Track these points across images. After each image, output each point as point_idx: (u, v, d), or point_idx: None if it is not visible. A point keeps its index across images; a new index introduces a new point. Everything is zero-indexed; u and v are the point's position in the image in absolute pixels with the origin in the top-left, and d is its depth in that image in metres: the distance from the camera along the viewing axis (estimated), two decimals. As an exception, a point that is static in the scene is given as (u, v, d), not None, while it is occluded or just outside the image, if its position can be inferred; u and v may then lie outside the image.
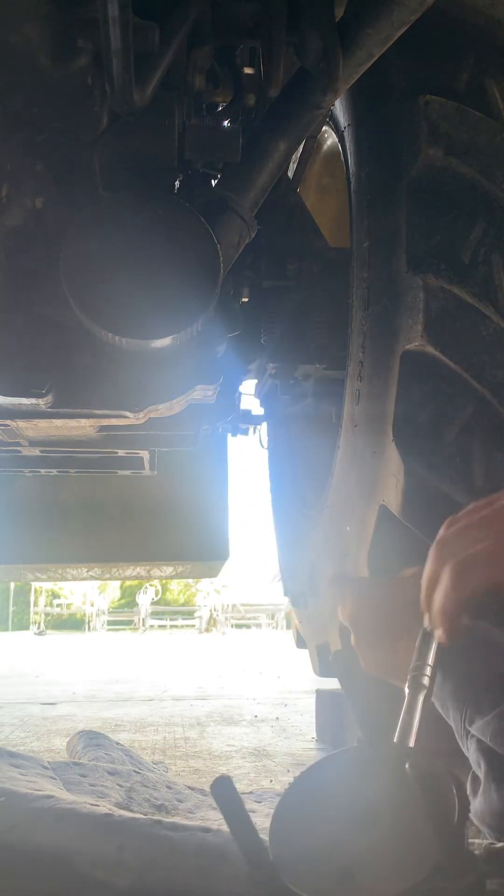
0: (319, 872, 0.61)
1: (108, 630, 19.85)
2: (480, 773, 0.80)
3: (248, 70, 1.73)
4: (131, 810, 1.01)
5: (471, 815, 0.77)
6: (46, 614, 20.89)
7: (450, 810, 0.59)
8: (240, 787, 1.19)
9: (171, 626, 20.36)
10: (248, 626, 20.29)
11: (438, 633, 0.75)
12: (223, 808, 0.62)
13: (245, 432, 2.71)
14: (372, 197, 1.60)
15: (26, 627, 20.59)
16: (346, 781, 0.66)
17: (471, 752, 0.81)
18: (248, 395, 2.60)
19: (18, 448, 1.84)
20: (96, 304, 1.15)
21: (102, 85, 1.14)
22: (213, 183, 1.41)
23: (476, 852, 0.71)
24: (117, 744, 1.49)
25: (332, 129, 1.95)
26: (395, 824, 0.62)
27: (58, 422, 1.49)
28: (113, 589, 24.85)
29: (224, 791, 0.62)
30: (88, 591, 20.89)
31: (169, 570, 3.56)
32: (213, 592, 18.99)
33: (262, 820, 0.96)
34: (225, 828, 0.86)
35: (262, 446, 2.93)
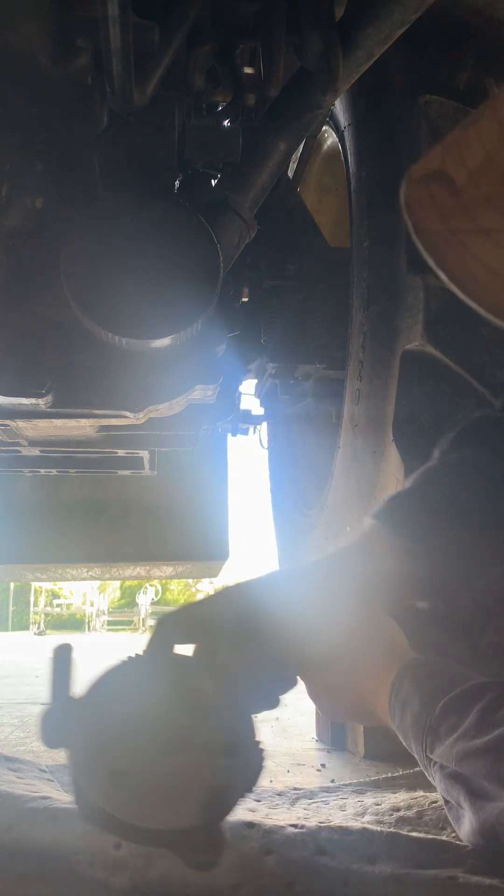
0: (96, 772, 0.64)
1: (108, 630, 19.82)
2: (452, 799, 0.79)
3: (248, 70, 1.73)
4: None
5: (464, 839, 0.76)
6: (46, 614, 20.87)
7: (225, 788, 0.60)
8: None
9: (171, 627, 20.29)
10: (248, 627, 20.24)
11: None
12: (55, 670, 0.65)
13: (245, 432, 2.71)
14: (372, 197, 1.60)
15: (26, 627, 20.57)
16: (141, 688, 0.72)
17: (437, 780, 0.81)
18: (248, 395, 2.60)
19: (18, 448, 1.84)
20: (96, 304, 1.15)
21: (102, 85, 1.14)
22: (213, 183, 1.41)
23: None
24: (117, 744, 1.48)
25: (332, 128, 1.95)
26: (178, 749, 0.65)
27: (58, 422, 1.49)
28: (113, 589, 24.87)
29: (61, 656, 0.65)
30: (88, 591, 20.88)
31: (169, 570, 3.55)
32: (213, 593, 18.94)
33: (262, 819, 0.96)
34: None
35: (262, 446, 2.93)
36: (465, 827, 0.76)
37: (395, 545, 0.76)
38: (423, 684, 0.82)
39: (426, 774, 0.82)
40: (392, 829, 0.84)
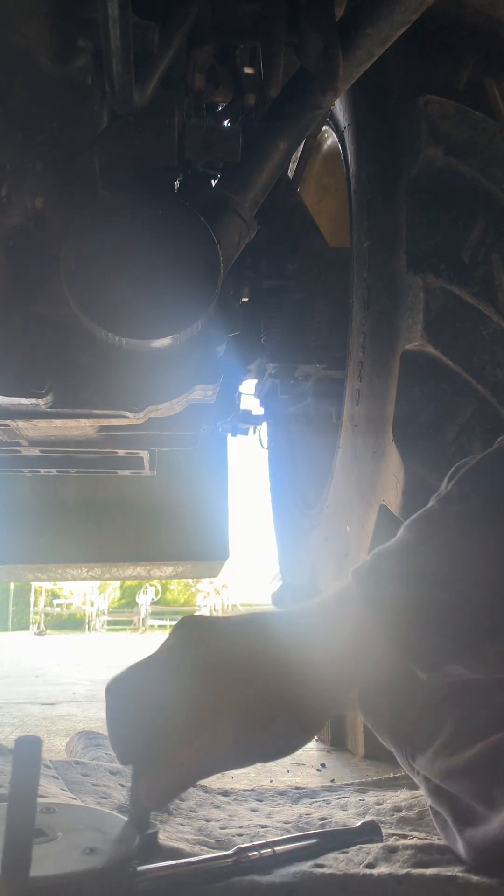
0: None
1: (108, 630, 19.82)
2: (442, 813, 0.78)
3: (248, 70, 1.73)
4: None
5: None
6: (46, 614, 20.87)
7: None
8: (240, 786, 1.19)
9: (172, 626, 20.31)
10: (248, 626, 20.24)
11: None
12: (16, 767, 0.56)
13: (245, 432, 2.71)
14: (372, 197, 1.60)
15: (26, 627, 20.58)
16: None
17: (423, 790, 0.80)
18: (248, 395, 2.60)
19: (18, 448, 1.84)
20: (96, 303, 1.15)
21: (102, 85, 1.14)
22: (213, 183, 1.41)
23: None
24: (117, 744, 1.48)
25: (332, 128, 1.95)
26: None
27: (58, 422, 1.49)
28: (113, 589, 24.86)
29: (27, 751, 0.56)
30: (88, 591, 20.88)
31: (169, 570, 3.56)
32: (213, 592, 18.98)
33: (263, 820, 0.96)
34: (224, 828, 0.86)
35: (262, 446, 2.93)
36: (455, 844, 0.75)
37: (367, 616, 0.63)
38: (398, 682, 0.79)
39: (411, 776, 0.82)
40: (393, 831, 0.84)
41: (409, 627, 0.63)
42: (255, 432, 2.78)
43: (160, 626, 19.98)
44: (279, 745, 0.64)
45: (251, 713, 0.62)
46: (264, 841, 0.75)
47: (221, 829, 0.92)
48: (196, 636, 0.68)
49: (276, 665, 0.63)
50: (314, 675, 0.62)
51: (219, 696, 0.63)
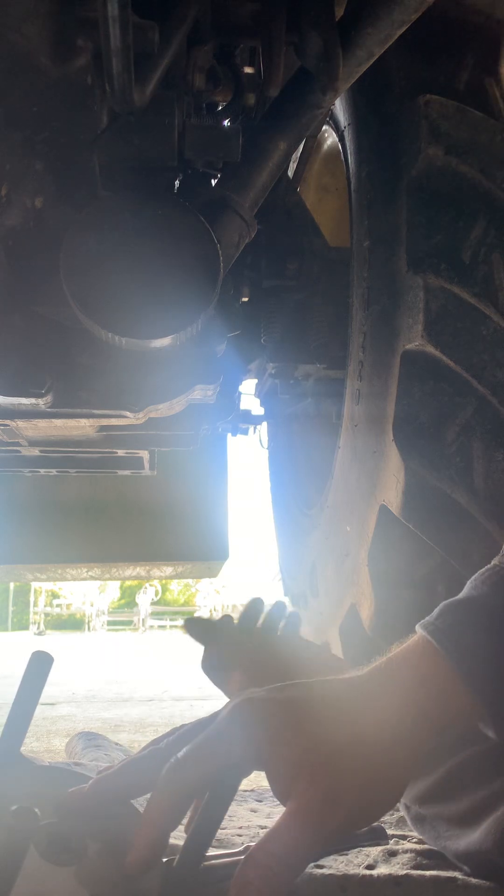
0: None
1: (108, 630, 19.84)
2: (425, 839, 0.78)
3: (248, 69, 1.73)
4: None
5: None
6: (46, 614, 20.89)
7: None
8: (240, 786, 1.19)
9: (171, 627, 20.36)
10: (248, 627, 20.23)
11: None
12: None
13: (245, 432, 2.71)
14: (372, 196, 1.60)
15: (26, 627, 20.61)
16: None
17: (407, 817, 0.80)
18: (248, 395, 2.60)
19: (18, 448, 1.84)
20: (96, 303, 1.15)
21: (102, 84, 1.14)
22: (213, 183, 1.41)
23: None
24: (116, 744, 1.49)
25: (332, 128, 1.95)
26: None
27: (57, 422, 1.49)
28: (113, 589, 24.89)
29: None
30: (88, 592, 20.89)
31: (169, 570, 3.55)
32: (213, 592, 18.98)
33: (262, 820, 0.96)
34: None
35: (262, 446, 2.93)
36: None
37: (447, 671, 0.59)
38: None
39: (400, 808, 0.82)
40: (393, 831, 0.84)
41: (496, 683, 0.58)
42: (255, 432, 2.78)
43: (160, 627, 19.99)
44: (368, 810, 0.57)
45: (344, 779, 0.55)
46: None
47: (221, 828, 0.92)
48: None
49: (357, 729, 0.57)
50: (393, 734, 0.57)
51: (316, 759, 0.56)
